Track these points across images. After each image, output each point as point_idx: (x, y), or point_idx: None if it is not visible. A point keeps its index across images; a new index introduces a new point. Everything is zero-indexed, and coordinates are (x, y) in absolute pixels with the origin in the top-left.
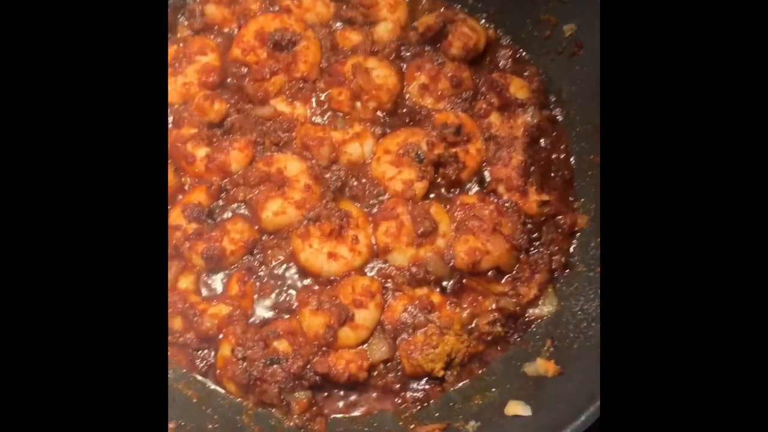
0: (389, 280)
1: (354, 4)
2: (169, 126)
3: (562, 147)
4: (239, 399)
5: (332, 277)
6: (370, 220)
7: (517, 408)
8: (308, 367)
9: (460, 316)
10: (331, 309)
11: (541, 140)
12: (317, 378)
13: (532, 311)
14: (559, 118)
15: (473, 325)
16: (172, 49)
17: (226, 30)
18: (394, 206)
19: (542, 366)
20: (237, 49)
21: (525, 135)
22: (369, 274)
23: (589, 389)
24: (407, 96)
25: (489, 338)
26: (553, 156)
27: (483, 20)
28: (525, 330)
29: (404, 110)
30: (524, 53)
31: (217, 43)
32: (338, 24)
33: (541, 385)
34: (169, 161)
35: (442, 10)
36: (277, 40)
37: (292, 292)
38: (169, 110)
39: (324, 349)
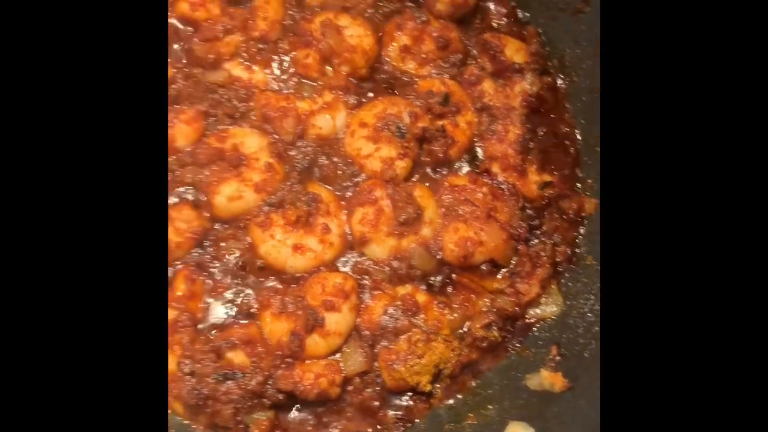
0: (366, 277)
1: None
2: None
3: (565, 119)
4: (187, 421)
5: (298, 274)
6: (344, 205)
7: (518, 430)
8: (270, 383)
9: (449, 319)
10: (296, 312)
11: (541, 111)
12: (280, 396)
13: (533, 312)
14: (562, 85)
15: (465, 329)
16: None
17: None
18: (371, 189)
19: (547, 379)
20: (184, 2)
21: (523, 105)
22: (342, 269)
23: None
24: (385, 60)
25: (484, 345)
26: (556, 130)
27: None
28: (525, 335)
29: (382, 76)
30: (521, 11)
31: None
32: None
33: (546, 402)
34: None
35: None
36: None
37: (251, 292)
38: None
39: (288, 360)
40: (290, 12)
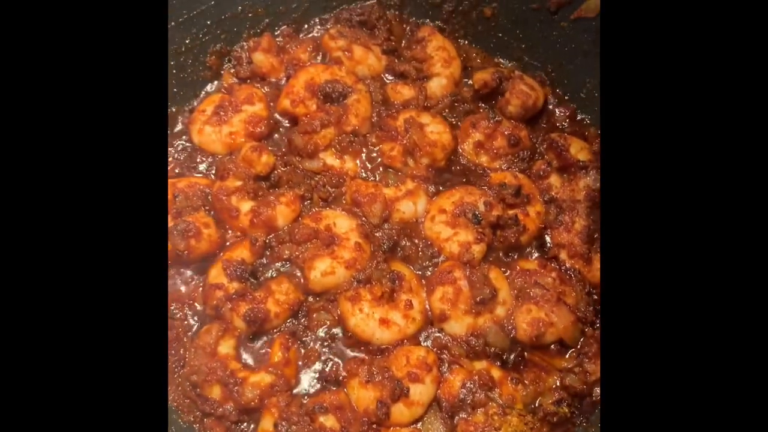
0: (445, 351)
1: (407, 58)
2: (212, 177)
3: None
4: None
5: (383, 346)
6: (424, 283)
7: None
8: None
9: (522, 394)
10: (383, 382)
11: None
12: None
13: (599, 390)
14: None
15: (536, 404)
16: (216, 97)
17: (273, 79)
18: (450, 270)
19: None
20: (286, 99)
21: (587, 199)
22: (423, 343)
23: None
24: (461, 153)
25: (554, 420)
26: None
27: (538, 78)
28: (592, 412)
29: (458, 168)
30: (581, 114)
31: (264, 93)
32: (390, 78)
33: None
34: (211, 214)
35: (497, 66)
36: (327, 92)
37: (339, 361)
38: (213, 160)
39: (375, 427)
40: (378, 110)
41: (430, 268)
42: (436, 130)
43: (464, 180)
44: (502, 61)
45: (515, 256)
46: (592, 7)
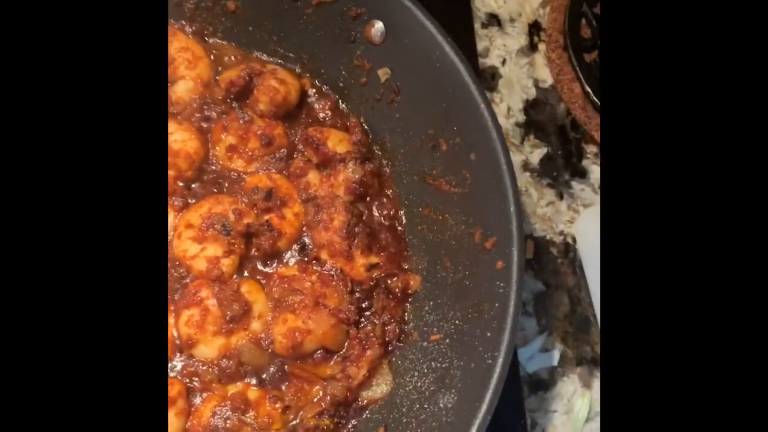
0: (195, 379)
1: None
2: None
3: (390, 201)
4: None
5: None
6: (173, 309)
7: None
8: None
9: (280, 413)
10: None
11: (366, 196)
12: None
13: (365, 394)
14: (386, 170)
15: (298, 420)
16: None
17: None
18: (197, 290)
19: None
20: None
21: (347, 192)
22: (171, 374)
23: None
24: (213, 160)
25: None
26: (381, 212)
27: (298, 70)
28: (359, 418)
29: (211, 176)
30: (343, 103)
31: None
32: None
33: None
34: None
35: (254, 62)
36: None
37: None
38: None
39: None
40: None
41: (180, 291)
42: (180, 138)
43: (217, 189)
44: (258, 55)
45: (275, 264)
46: None
